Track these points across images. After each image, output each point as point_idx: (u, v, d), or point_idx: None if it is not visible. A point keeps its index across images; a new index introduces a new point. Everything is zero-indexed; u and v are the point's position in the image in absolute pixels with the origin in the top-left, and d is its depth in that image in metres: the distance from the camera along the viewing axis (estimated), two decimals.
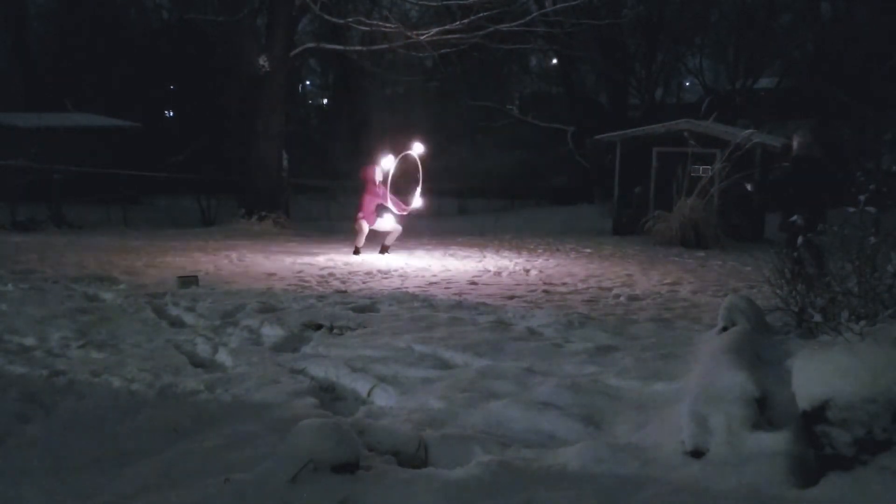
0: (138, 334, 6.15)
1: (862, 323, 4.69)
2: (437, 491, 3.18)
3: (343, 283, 9.76)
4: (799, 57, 28.66)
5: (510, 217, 22.85)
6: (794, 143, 9.13)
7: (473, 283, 10.01)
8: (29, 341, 5.83)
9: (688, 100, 32.32)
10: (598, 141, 19.19)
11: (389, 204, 12.80)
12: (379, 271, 10.92)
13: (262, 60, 17.37)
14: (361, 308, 7.31)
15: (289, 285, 9.31)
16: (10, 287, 8.02)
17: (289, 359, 5.47)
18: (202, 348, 5.80)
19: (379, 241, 13.12)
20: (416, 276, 10.52)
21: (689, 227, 14.90)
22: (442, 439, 3.78)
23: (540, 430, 4.00)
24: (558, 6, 20.12)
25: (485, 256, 13.22)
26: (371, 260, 12.29)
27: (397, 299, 7.87)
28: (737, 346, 4.67)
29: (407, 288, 9.26)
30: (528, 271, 11.26)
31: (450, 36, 17.61)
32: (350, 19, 18.65)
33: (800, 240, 6.39)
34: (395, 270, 11.06)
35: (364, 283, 9.84)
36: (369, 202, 12.77)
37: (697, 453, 3.47)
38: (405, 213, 13.04)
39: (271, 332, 6.23)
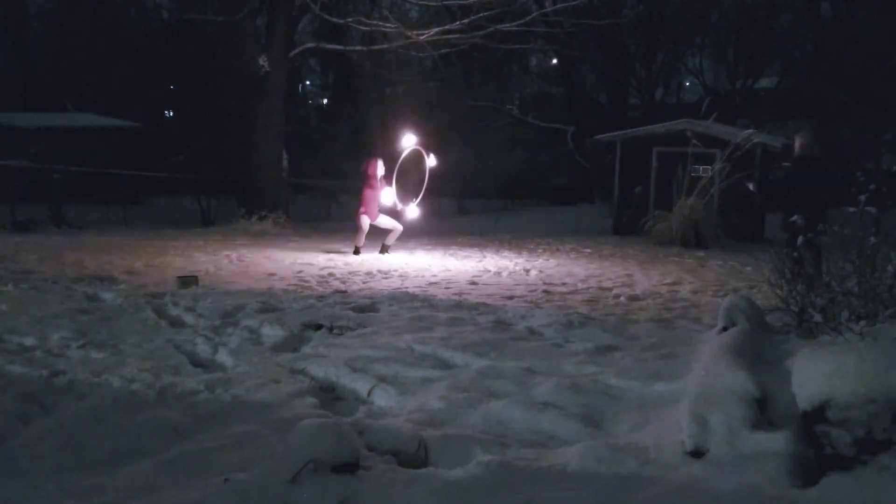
0: (138, 334, 6.15)
1: (862, 323, 4.69)
2: (437, 491, 3.18)
3: (343, 283, 9.76)
4: (799, 57, 28.65)
5: (510, 217, 22.84)
6: (796, 144, 9.13)
7: (473, 283, 10.01)
8: (29, 341, 5.84)
9: (688, 100, 32.30)
10: (598, 141, 19.18)
11: (389, 197, 12.76)
12: (379, 271, 10.92)
13: (262, 60, 17.36)
14: (361, 308, 7.31)
15: (289, 285, 9.31)
16: (10, 287, 8.02)
17: (289, 359, 5.47)
18: (202, 348, 5.81)
19: (379, 241, 13.11)
20: (416, 276, 10.52)
21: (689, 227, 14.89)
22: (442, 439, 3.78)
23: (540, 430, 4.00)
24: (558, 6, 20.10)
25: (485, 256, 13.22)
26: (371, 260, 12.29)
27: (397, 299, 7.87)
28: (737, 346, 4.67)
29: (407, 288, 9.26)
30: (528, 271, 11.25)
31: (450, 36, 17.59)
32: (350, 19, 18.63)
33: (800, 240, 6.39)
34: (395, 270, 11.06)
35: (364, 283, 9.83)
36: (371, 196, 12.73)
37: (697, 453, 3.47)
38: (398, 209, 13.03)
39: (271, 332, 6.24)
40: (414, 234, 15.16)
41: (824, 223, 6.47)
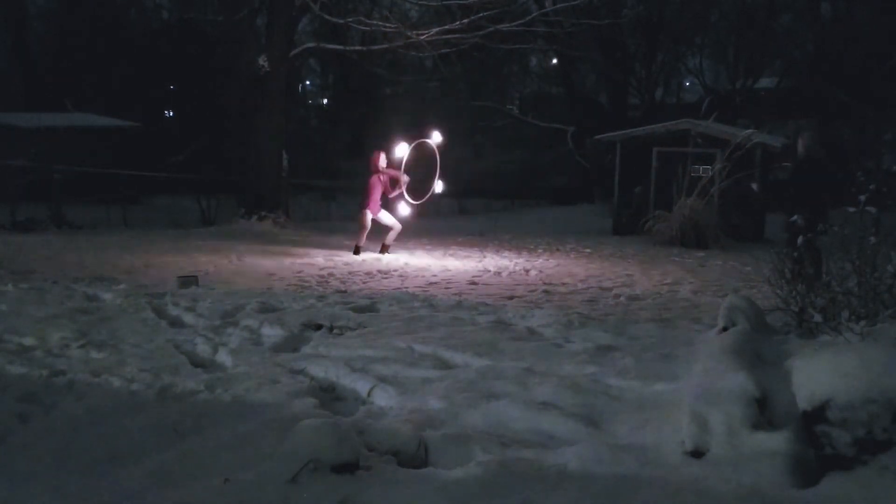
0: (138, 334, 6.15)
1: (862, 323, 4.70)
2: (437, 491, 3.18)
3: (343, 283, 9.76)
4: (799, 57, 28.65)
5: (510, 217, 22.84)
6: (799, 144, 9.13)
7: (473, 283, 10.01)
8: (29, 341, 5.83)
9: (688, 100, 32.30)
10: (599, 141, 19.19)
11: (402, 185, 12.78)
12: (379, 271, 10.92)
13: (262, 60, 17.36)
14: (361, 308, 7.31)
15: (289, 285, 9.31)
16: (10, 287, 8.01)
17: (289, 359, 5.47)
18: (202, 348, 5.80)
19: (379, 241, 13.11)
20: (416, 276, 10.52)
21: (689, 227, 14.89)
22: (442, 439, 3.78)
23: (540, 430, 4.00)
24: (558, 6, 20.11)
25: (485, 256, 13.22)
26: (371, 260, 12.29)
27: (397, 299, 7.87)
28: (737, 346, 4.66)
29: (407, 288, 9.26)
30: (528, 271, 11.26)
31: (450, 36, 17.59)
32: (350, 19, 18.63)
33: (800, 240, 6.39)
34: (395, 270, 11.06)
35: (364, 283, 9.84)
36: (374, 189, 12.70)
37: (697, 453, 3.47)
38: (411, 202, 13.09)
39: (271, 332, 6.23)
40: (414, 234, 15.16)
41: (825, 223, 6.47)
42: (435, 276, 10.63)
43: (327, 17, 18.35)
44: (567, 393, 4.38)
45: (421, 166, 13.59)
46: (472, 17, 17.29)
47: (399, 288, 9.25)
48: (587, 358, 5.33)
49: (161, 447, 3.80)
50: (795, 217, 7.80)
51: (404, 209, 13.04)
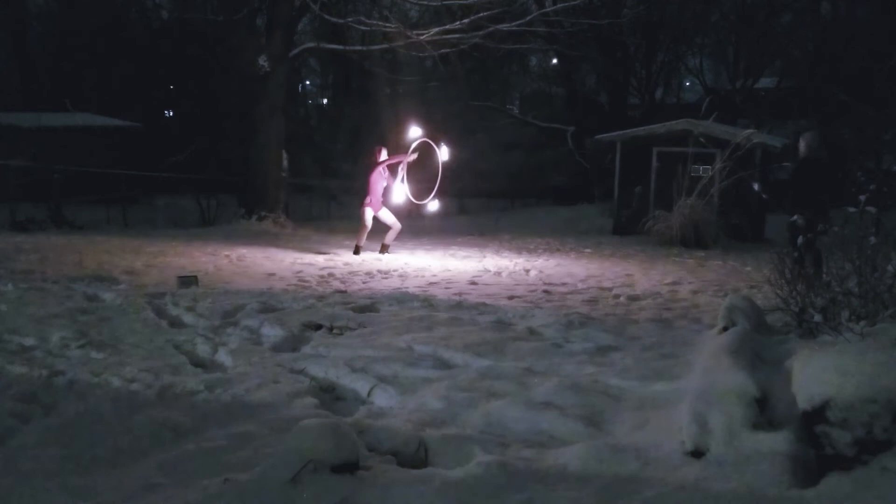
0: (138, 334, 6.15)
1: (862, 323, 4.69)
2: (437, 491, 3.18)
3: (343, 283, 9.76)
4: (799, 57, 28.64)
5: (510, 217, 22.83)
6: (802, 145, 9.12)
7: (473, 283, 10.01)
8: (29, 341, 5.83)
9: (688, 100, 32.30)
10: (599, 141, 19.18)
11: (401, 195, 12.76)
12: (379, 271, 10.92)
13: (262, 60, 17.36)
14: (361, 308, 7.31)
15: (289, 285, 9.31)
16: (10, 287, 8.01)
17: (289, 359, 5.47)
18: (202, 348, 5.80)
19: (379, 241, 13.11)
20: (416, 276, 10.52)
21: (689, 227, 14.89)
22: (442, 439, 3.78)
23: (540, 430, 4.00)
24: (558, 6, 20.09)
25: (485, 256, 13.21)
26: (371, 260, 12.29)
27: (397, 299, 7.87)
28: (737, 346, 4.66)
29: (407, 288, 9.26)
30: (528, 271, 11.25)
31: (450, 36, 17.58)
32: (350, 19, 18.63)
33: (800, 240, 6.40)
34: (395, 270, 11.06)
35: (364, 283, 9.84)
36: (376, 184, 12.68)
37: (697, 453, 3.47)
38: (412, 204, 13.09)
39: (271, 332, 6.23)
40: (414, 234, 15.16)
41: (826, 224, 6.47)
42: (435, 276, 10.63)
43: (327, 17, 18.35)
44: (567, 393, 4.38)
45: (420, 169, 13.56)
46: (472, 17, 17.29)
47: (399, 288, 9.25)
48: (587, 358, 5.34)
49: (161, 447, 3.80)
50: (796, 217, 7.82)
51: (399, 193, 12.94)
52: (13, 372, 5.01)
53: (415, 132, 12.92)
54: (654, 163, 16.83)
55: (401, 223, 13.08)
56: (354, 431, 3.57)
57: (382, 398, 4.67)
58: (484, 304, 7.87)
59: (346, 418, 4.13)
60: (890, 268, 4.93)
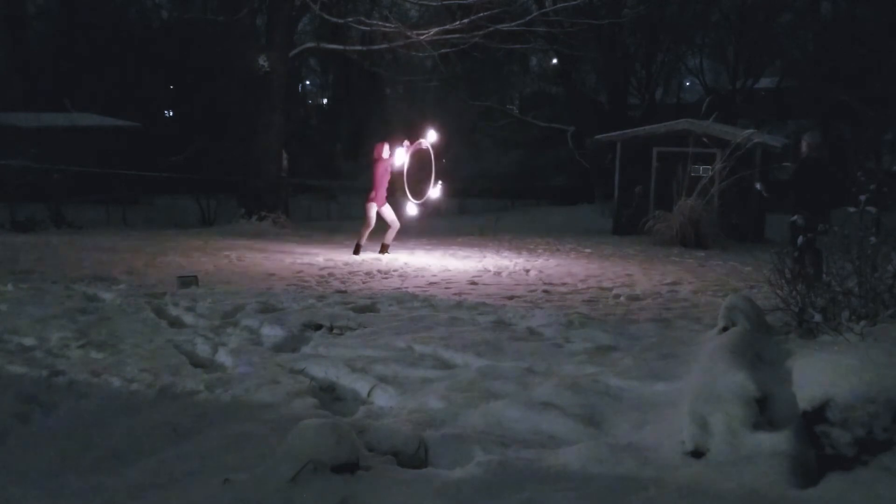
0: (138, 334, 6.14)
1: (862, 323, 4.69)
2: (437, 491, 3.18)
3: (343, 283, 9.76)
4: (799, 57, 28.66)
5: (510, 217, 22.84)
6: (803, 145, 9.12)
7: (473, 283, 10.01)
8: (29, 341, 5.83)
9: (688, 100, 32.33)
10: (599, 141, 19.20)
11: (400, 159, 12.77)
12: (379, 271, 10.92)
13: (262, 60, 17.37)
14: (361, 308, 7.31)
15: (289, 285, 9.30)
16: (10, 287, 8.01)
17: (289, 359, 5.47)
18: (202, 348, 5.80)
19: (379, 241, 13.11)
20: (416, 276, 10.52)
21: (689, 227, 14.90)
22: (442, 439, 3.78)
23: (540, 430, 4.00)
24: (558, 6, 20.11)
25: (485, 256, 13.21)
26: (371, 260, 12.29)
27: (397, 299, 7.86)
28: (737, 346, 4.66)
29: (407, 288, 9.26)
30: (528, 271, 11.25)
31: (450, 36, 17.61)
32: (350, 19, 18.65)
33: (800, 240, 6.39)
34: (395, 270, 11.06)
35: (364, 283, 9.84)
36: (380, 178, 12.68)
37: (697, 453, 3.47)
38: (419, 202, 13.13)
39: (271, 332, 6.23)
40: (414, 234, 15.16)
41: (826, 224, 6.47)
42: (435, 276, 10.63)
43: (327, 16, 18.37)
44: (567, 393, 4.38)
45: (417, 169, 13.58)
46: (472, 17, 17.30)
47: (399, 288, 9.25)
48: (587, 358, 5.33)
49: (161, 447, 3.80)
50: (796, 217, 7.82)
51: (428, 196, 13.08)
52: (13, 372, 5.00)
53: (399, 155, 12.97)
54: (655, 163, 16.84)
55: (399, 223, 13.11)
56: (354, 431, 3.57)
57: (382, 398, 4.67)
58: (484, 304, 7.87)
59: (346, 418, 4.12)
60: (890, 268, 4.93)
